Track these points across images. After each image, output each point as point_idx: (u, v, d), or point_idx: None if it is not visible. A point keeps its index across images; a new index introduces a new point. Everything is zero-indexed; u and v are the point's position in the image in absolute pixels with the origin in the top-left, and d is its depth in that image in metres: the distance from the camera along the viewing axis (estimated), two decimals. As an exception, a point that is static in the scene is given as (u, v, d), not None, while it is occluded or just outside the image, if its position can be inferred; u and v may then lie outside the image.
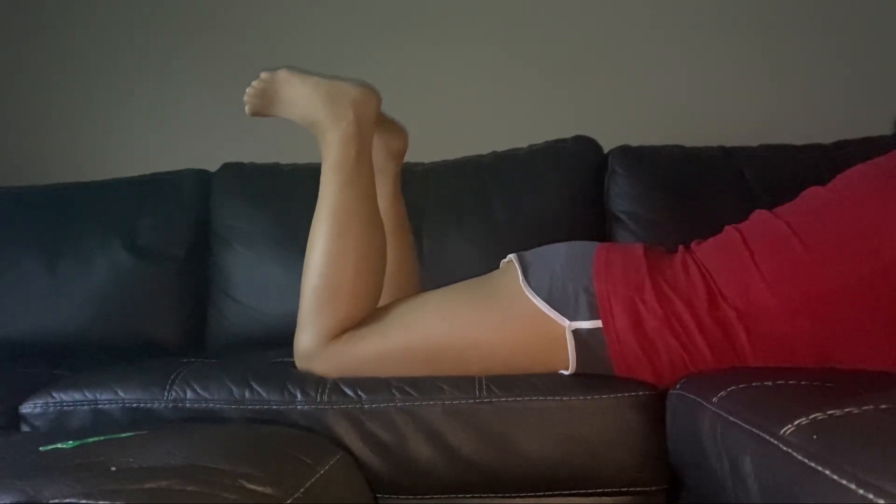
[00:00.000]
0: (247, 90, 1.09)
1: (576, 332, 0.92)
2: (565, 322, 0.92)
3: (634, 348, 0.90)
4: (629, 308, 0.90)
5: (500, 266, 1.07)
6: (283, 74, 1.07)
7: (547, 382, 0.93)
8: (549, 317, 0.93)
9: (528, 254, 1.03)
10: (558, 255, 1.00)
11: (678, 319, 0.89)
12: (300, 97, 1.06)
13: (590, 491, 0.91)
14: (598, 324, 0.91)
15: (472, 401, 0.91)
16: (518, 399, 0.91)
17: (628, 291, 0.91)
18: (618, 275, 0.93)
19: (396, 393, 0.93)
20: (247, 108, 1.10)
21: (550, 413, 0.90)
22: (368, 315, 1.02)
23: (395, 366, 0.97)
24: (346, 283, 0.99)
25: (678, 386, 0.87)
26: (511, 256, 1.04)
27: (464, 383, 0.93)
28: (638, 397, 0.90)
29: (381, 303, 1.06)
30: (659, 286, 0.91)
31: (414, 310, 1.00)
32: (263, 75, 1.07)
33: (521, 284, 0.96)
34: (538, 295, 0.94)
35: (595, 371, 0.94)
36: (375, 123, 1.08)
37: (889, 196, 0.83)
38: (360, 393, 0.93)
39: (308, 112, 1.05)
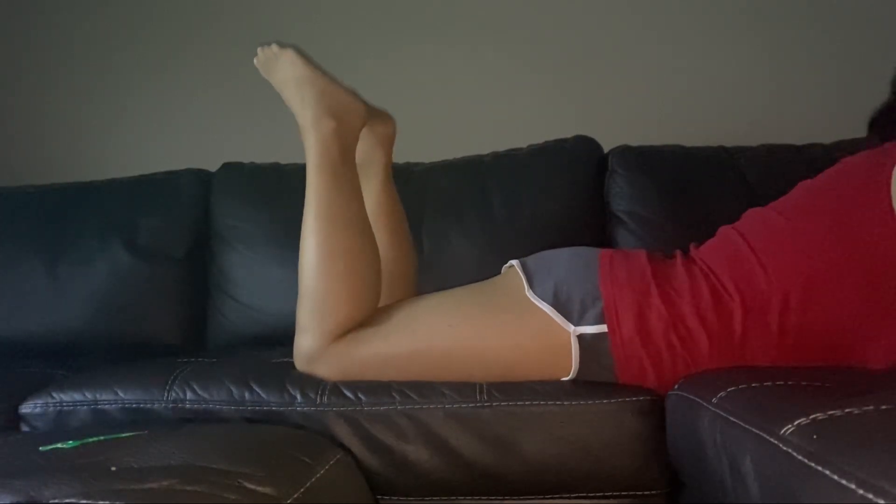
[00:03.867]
0: (258, 50, 1.09)
1: (580, 338, 0.92)
2: (570, 327, 0.92)
3: (639, 352, 0.90)
4: (635, 312, 0.90)
5: (502, 272, 1.06)
6: (289, 54, 1.06)
7: (548, 388, 0.93)
8: (555, 322, 0.92)
9: (530, 260, 1.02)
10: (561, 260, 1.00)
11: (683, 322, 0.89)
12: (294, 82, 1.06)
13: (590, 494, 0.91)
14: (603, 328, 0.91)
15: (472, 405, 0.91)
16: (519, 404, 0.90)
17: (634, 295, 0.91)
18: (623, 279, 0.93)
19: (397, 396, 0.93)
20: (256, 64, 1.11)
21: (551, 418, 0.90)
22: (372, 316, 1.01)
23: (398, 370, 0.97)
24: (343, 285, 0.99)
25: (677, 386, 0.87)
26: (513, 263, 1.04)
27: (465, 388, 0.93)
28: (639, 402, 0.90)
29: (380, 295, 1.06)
30: (664, 289, 0.91)
31: (419, 315, 1.00)
32: (274, 48, 1.08)
33: (526, 291, 0.96)
34: (543, 300, 0.94)
35: (596, 378, 0.94)
36: (357, 137, 1.09)
37: (870, 190, 0.84)
38: (359, 395, 0.93)
39: (295, 101, 1.06)
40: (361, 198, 1.07)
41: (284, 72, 1.07)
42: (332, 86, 1.05)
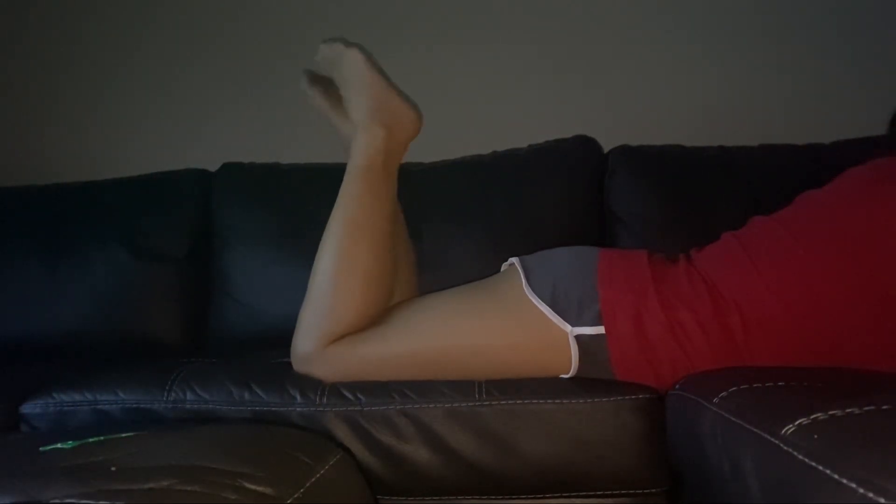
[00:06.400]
0: (322, 46, 1.05)
1: (578, 338, 0.92)
2: (567, 327, 0.92)
3: (636, 354, 0.90)
4: (633, 315, 0.90)
5: (501, 270, 1.06)
6: (354, 54, 1.03)
7: (547, 386, 0.93)
8: (552, 321, 0.92)
9: (529, 258, 1.02)
10: (561, 260, 1.00)
11: (681, 326, 0.89)
12: (353, 83, 1.03)
13: (589, 493, 0.91)
14: (600, 330, 0.91)
15: (472, 404, 0.91)
16: (518, 402, 0.90)
17: (632, 298, 0.91)
18: (621, 281, 0.93)
19: (396, 395, 0.93)
20: (317, 59, 1.07)
21: (551, 416, 0.90)
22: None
23: (396, 370, 0.97)
24: (355, 296, 0.98)
25: (678, 386, 0.87)
26: (513, 260, 1.03)
27: (464, 386, 0.93)
28: (638, 400, 0.90)
29: None
30: (662, 293, 0.91)
31: (416, 314, 1.00)
32: (339, 46, 1.03)
33: (524, 288, 0.96)
34: (541, 299, 0.94)
35: (595, 375, 0.94)
36: (405, 149, 1.07)
37: (877, 203, 0.83)
38: (359, 395, 0.93)
39: (352, 99, 1.04)
40: (390, 212, 1.05)
41: (346, 71, 1.04)
42: (389, 93, 1.03)
